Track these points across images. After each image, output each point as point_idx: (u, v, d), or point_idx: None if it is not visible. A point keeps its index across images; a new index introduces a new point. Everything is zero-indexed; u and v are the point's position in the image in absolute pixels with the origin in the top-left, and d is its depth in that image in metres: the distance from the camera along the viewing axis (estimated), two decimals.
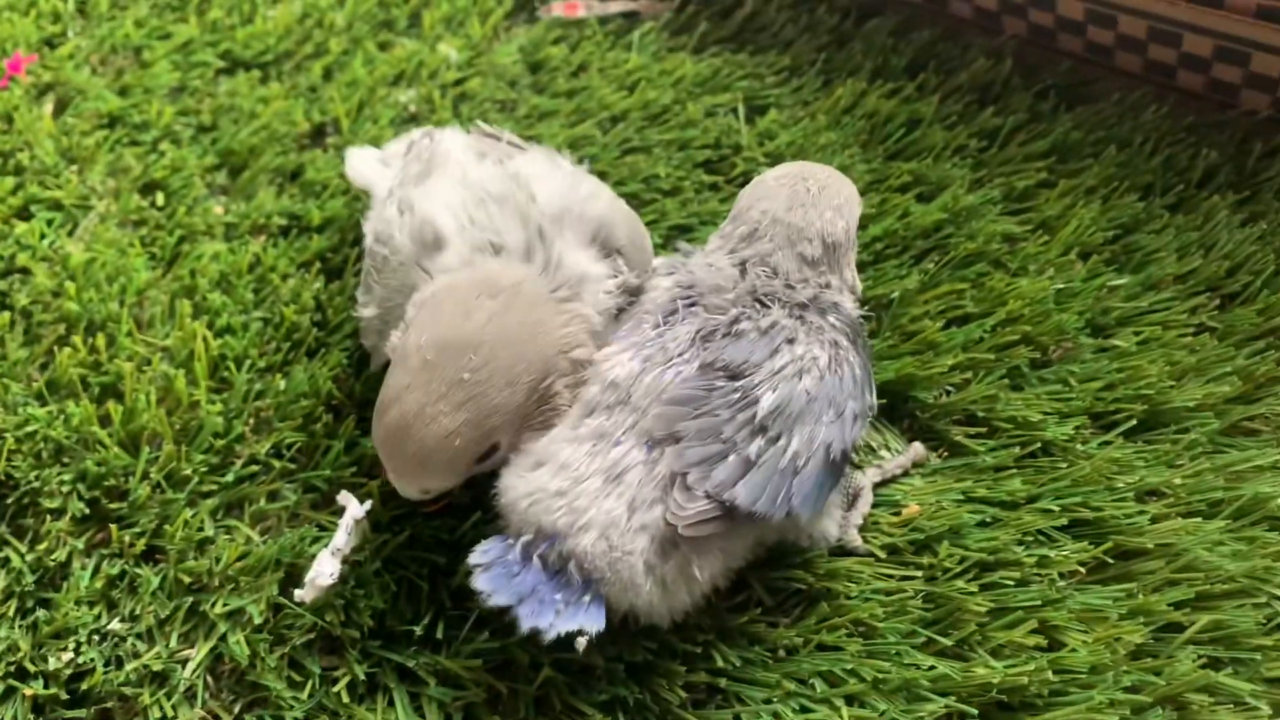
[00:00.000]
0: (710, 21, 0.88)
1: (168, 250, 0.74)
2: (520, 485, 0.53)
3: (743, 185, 0.79)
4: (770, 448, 0.52)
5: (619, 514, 0.51)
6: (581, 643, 0.50)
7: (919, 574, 0.58)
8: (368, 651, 0.57)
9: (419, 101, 0.84)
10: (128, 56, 0.88)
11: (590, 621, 0.50)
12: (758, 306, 0.56)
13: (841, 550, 0.59)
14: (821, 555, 0.58)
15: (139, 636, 0.58)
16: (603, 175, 0.78)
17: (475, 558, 0.52)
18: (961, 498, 0.61)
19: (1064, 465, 0.61)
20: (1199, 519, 0.59)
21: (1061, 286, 0.69)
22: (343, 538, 0.57)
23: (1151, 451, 0.62)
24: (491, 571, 0.51)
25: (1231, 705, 0.53)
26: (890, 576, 0.58)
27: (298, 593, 0.57)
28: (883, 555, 0.59)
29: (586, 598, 0.50)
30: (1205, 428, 0.62)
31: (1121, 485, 0.60)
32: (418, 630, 0.57)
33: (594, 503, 0.51)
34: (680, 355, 0.54)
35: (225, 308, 0.70)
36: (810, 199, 0.58)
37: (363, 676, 0.56)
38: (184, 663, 0.57)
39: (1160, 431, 0.63)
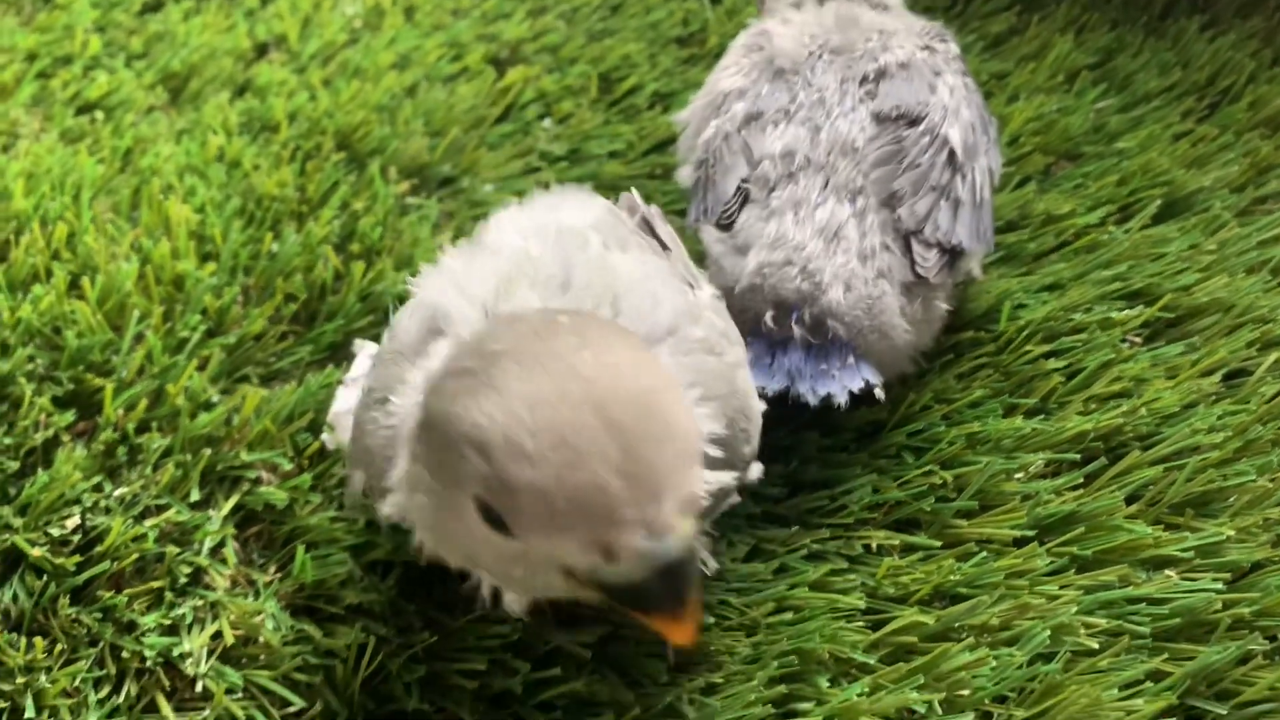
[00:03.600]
0: None
1: (118, 154, 0.68)
2: (739, 271, 0.50)
3: (718, 58, 0.79)
4: (965, 183, 0.52)
5: (854, 265, 0.49)
6: (880, 394, 0.48)
7: (987, 349, 0.56)
8: None
9: (366, 13, 0.81)
10: (35, 3, 0.82)
11: (870, 374, 0.48)
12: (882, 35, 0.55)
13: None
14: None
15: (153, 499, 0.51)
16: (572, 61, 0.76)
17: None
18: (1013, 282, 0.59)
19: (1103, 243, 0.61)
20: (1242, 275, 0.59)
21: (1057, 106, 0.69)
22: (357, 366, 0.52)
23: (1179, 227, 0.62)
24: (756, 367, 0.47)
25: None
26: (959, 355, 0.56)
27: (325, 436, 0.52)
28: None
29: (852, 357, 0.48)
30: (1226, 203, 0.63)
31: (1161, 255, 0.60)
32: None
33: (826, 261, 0.49)
34: (840, 104, 0.52)
35: (197, 189, 0.64)
36: None
37: None
38: (208, 520, 0.50)
39: (1184, 214, 0.63)
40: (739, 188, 0.52)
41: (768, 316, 0.48)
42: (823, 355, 0.48)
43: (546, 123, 0.72)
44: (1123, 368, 0.54)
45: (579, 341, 0.30)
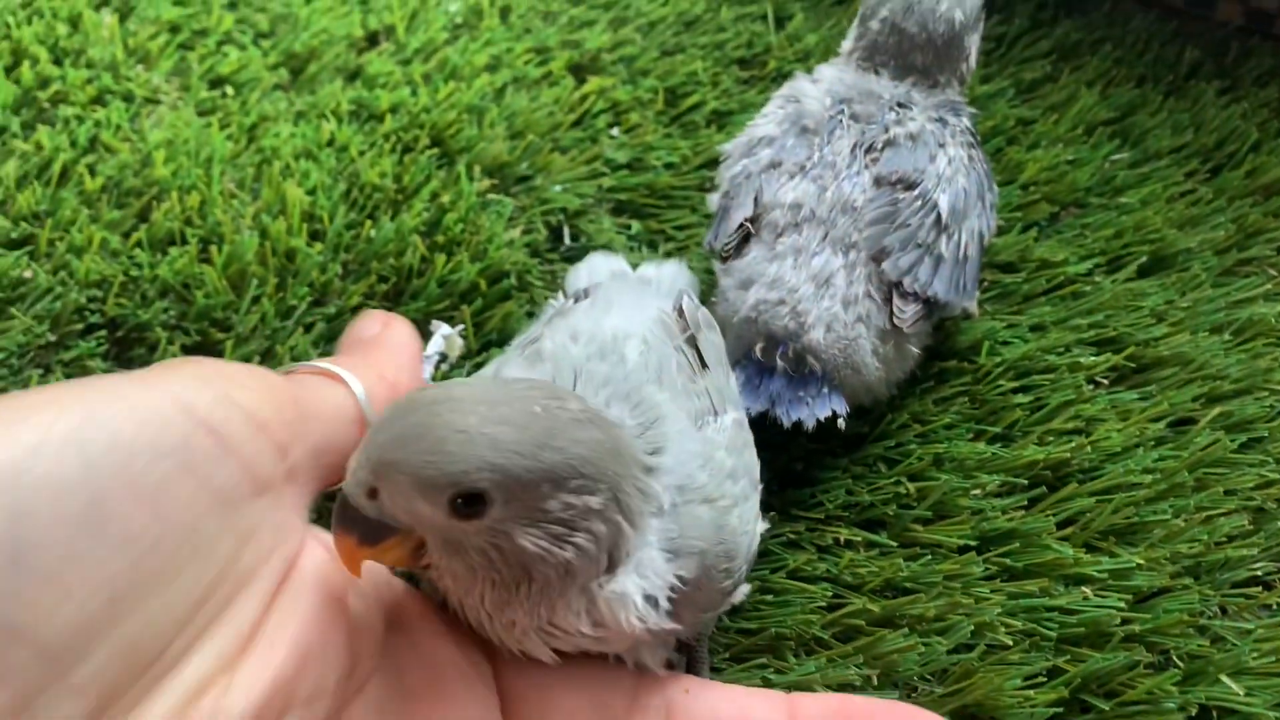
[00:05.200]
0: None
1: (244, 130, 0.79)
2: (740, 303, 0.59)
3: (775, 81, 0.87)
4: (949, 243, 0.60)
5: (837, 310, 0.58)
6: (842, 423, 0.57)
7: (965, 379, 0.65)
8: None
9: (466, 12, 0.90)
10: None
11: (838, 405, 0.57)
12: (900, 110, 0.63)
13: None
14: None
15: None
16: (644, 74, 0.85)
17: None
18: (1000, 323, 0.68)
19: (1087, 292, 0.69)
20: (1205, 334, 0.67)
21: (1072, 157, 0.77)
22: (433, 345, 0.63)
23: (1159, 283, 0.70)
24: (745, 389, 0.57)
25: (1245, 469, 0.60)
26: (941, 382, 0.65)
27: None
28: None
29: (826, 388, 0.57)
30: (1206, 265, 0.71)
31: (1137, 308, 0.68)
32: None
33: (814, 305, 0.58)
34: (848, 168, 0.61)
35: (310, 172, 0.75)
36: (923, 3, 0.65)
37: None
38: None
39: (1166, 270, 0.71)
40: (741, 224, 0.61)
41: (758, 348, 0.58)
42: (801, 384, 0.57)
43: (614, 131, 0.82)
44: (1081, 407, 0.63)
45: (498, 390, 0.41)
